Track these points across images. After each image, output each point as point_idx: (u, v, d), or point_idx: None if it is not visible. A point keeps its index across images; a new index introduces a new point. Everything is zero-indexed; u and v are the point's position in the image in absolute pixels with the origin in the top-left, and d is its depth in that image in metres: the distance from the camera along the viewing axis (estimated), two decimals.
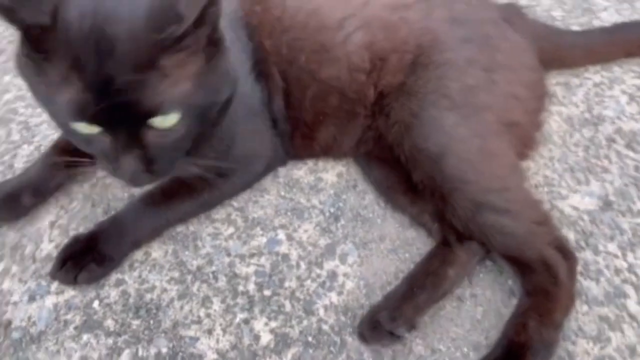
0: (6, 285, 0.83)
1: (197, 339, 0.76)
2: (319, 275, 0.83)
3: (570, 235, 0.85)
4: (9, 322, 0.79)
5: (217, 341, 0.76)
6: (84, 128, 0.60)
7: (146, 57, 0.56)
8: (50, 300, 0.81)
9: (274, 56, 0.84)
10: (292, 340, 0.75)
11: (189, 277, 0.83)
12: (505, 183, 0.77)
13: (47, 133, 1.05)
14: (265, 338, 0.76)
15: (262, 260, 0.85)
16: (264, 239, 0.87)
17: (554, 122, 1.01)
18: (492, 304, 0.78)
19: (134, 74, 0.55)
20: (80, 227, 0.90)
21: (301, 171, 0.97)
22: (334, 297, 0.80)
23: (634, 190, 0.90)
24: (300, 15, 0.84)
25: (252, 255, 0.85)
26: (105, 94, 0.55)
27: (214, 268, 0.84)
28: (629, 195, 0.89)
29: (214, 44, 0.63)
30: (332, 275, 0.83)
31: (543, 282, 0.73)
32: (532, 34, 0.90)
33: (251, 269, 0.84)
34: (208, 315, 0.78)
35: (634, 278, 0.79)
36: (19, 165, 1.00)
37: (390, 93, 0.84)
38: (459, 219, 0.77)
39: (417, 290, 0.76)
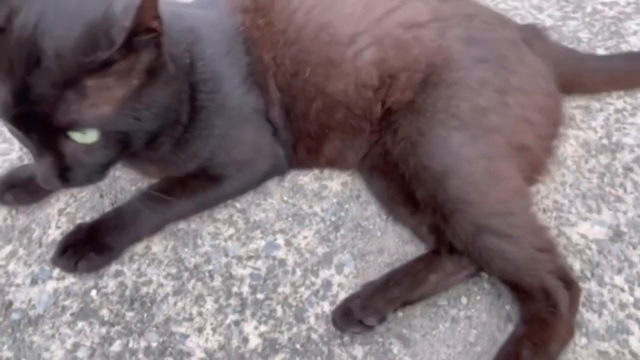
0: (12, 267, 0.86)
1: (187, 336, 0.77)
2: (313, 283, 0.82)
3: (576, 265, 0.82)
4: (10, 303, 0.81)
5: (207, 340, 0.76)
6: (10, 126, 0.65)
7: (68, 75, 0.59)
8: (51, 285, 0.83)
9: (274, 68, 0.85)
10: (280, 346, 0.75)
11: (186, 274, 0.84)
12: (509, 207, 0.75)
13: None
14: (254, 341, 0.76)
15: (259, 263, 0.85)
16: (263, 243, 0.88)
17: (569, 146, 0.98)
18: (486, 328, 0.76)
19: (52, 89, 0.59)
20: (87, 216, 0.92)
21: (306, 177, 0.97)
22: (326, 306, 0.80)
23: None
24: (308, 28, 0.84)
25: (249, 258, 0.86)
26: (23, 101, 0.60)
27: (210, 267, 0.85)
28: None
29: (151, 73, 0.66)
30: (327, 284, 0.82)
31: (541, 311, 0.71)
32: (552, 57, 0.88)
33: (247, 271, 0.84)
34: (200, 314, 0.79)
35: (639, 314, 0.76)
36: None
37: (398, 110, 0.83)
38: (459, 240, 0.76)
39: (393, 286, 0.76)
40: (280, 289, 0.82)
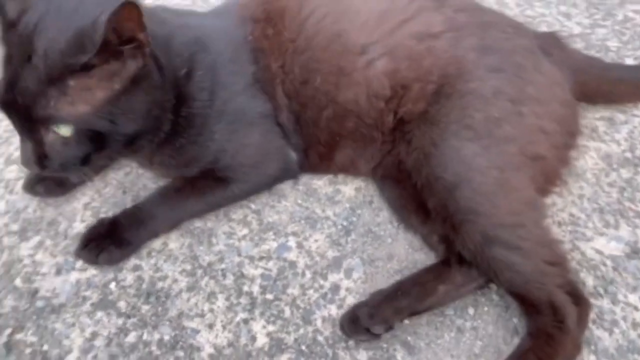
0: (39, 256, 0.91)
1: (198, 331, 0.80)
2: (321, 286, 0.84)
3: (589, 280, 0.81)
4: (36, 291, 0.86)
5: (216, 336, 0.79)
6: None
7: (52, 74, 0.66)
8: (74, 276, 0.87)
9: (281, 76, 0.87)
10: (286, 347, 0.77)
11: (200, 272, 0.87)
12: (519, 219, 0.75)
13: None
14: (261, 340, 0.78)
15: (270, 264, 0.87)
16: (275, 244, 0.90)
17: (589, 158, 0.96)
18: (492, 340, 0.76)
19: (36, 84, 0.66)
20: (110, 211, 0.96)
21: (321, 181, 0.98)
22: (333, 309, 0.81)
23: None
24: (319, 37, 0.86)
25: (261, 258, 0.88)
26: (11, 91, 0.67)
27: (223, 266, 0.87)
28: None
29: (135, 81, 0.71)
30: (335, 288, 0.84)
31: (548, 325, 0.71)
32: (571, 66, 0.87)
33: (258, 271, 0.86)
34: (211, 310, 0.82)
35: None
36: None
37: (412, 120, 0.83)
38: (468, 251, 0.76)
39: (401, 295, 0.76)
40: (289, 291, 0.84)
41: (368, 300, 0.78)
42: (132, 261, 0.88)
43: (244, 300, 0.83)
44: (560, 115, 0.82)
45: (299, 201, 0.96)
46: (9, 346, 0.78)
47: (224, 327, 0.80)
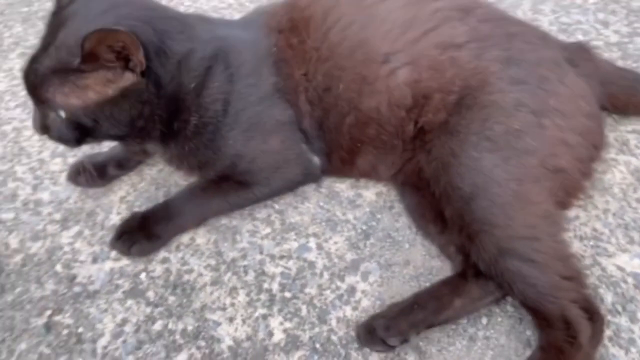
0: (78, 245, 0.98)
1: (219, 324, 0.84)
2: (338, 288, 0.87)
3: (608, 297, 0.80)
4: (74, 277, 0.93)
5: (236, 330, 0.83)
6: None
7: (58, 65, 0.76)
8: (108, 265, 0.94)
9: (304, 84, 0.89)
10: (302, 344, 0.81)
11: (223, 267, 0.91)
12: (535, 232, 0.75)
13: None
14: (278, 336, 0.82)
15: (290, 263, 0.91)
16: (296, 244, 0.93)
17: (618, 172, 0.94)
18: (504, 351, 0.77)
19: (45, 69, 0.77)
20: (144, 205, 1.02)
21: (343, 185, 1.01)
22: (348, 311, 0.84)
23: None
24: (343, 45, 0.88)
25: (282, 257, 0.92)
26: (30, 67, 0.79)
27: (246, 262, 0.91)
28: None
29: (124, 94, 0.79)
30: (351, 290, 0.86)
31: (559, 340, 0.71)
32: (599, 77, 0.86)
33: (278, 269, 0.90)
34: (232, 305, 0.86)
35: None
36: (105, 143, 1.15)
37: (432, 130, 0.84)
38: (483, 261, 0.77)
39: (417, 309, 0.77)
40: (307, 290, 0.87)
41: (385, 312, 0.80)
42: (162, 254, 0.94)
43: (263, 296, 0.87)
44: (584, 127, 0.81)
45: (321, 203, 0.99)
46: (48, 326, 0.85)
47: (243, 321, 0.84)
